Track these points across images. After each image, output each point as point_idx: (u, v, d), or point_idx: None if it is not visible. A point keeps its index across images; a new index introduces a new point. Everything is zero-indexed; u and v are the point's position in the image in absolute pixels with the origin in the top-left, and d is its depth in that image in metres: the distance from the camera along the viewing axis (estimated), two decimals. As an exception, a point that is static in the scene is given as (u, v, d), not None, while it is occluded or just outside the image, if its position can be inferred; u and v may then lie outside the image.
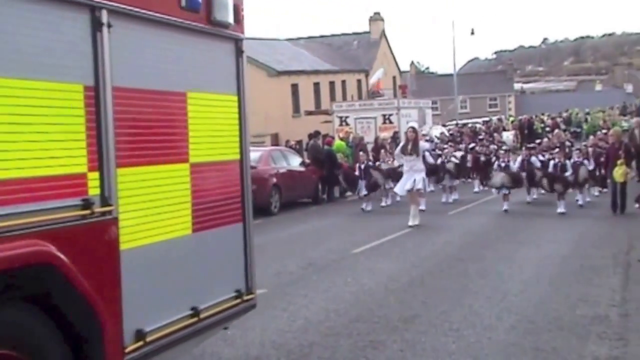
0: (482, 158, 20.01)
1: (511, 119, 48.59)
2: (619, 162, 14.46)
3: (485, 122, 43.24)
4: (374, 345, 6.41)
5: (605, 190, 17.46)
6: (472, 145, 21.65)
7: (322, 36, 46.45)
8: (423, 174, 13.93)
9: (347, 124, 26.54)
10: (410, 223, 13.59)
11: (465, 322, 7.04)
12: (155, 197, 4.52)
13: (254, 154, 17.74)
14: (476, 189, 20.06)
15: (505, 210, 15.64)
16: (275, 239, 12.97)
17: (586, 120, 44.12)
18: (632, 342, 6.29)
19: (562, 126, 43.52)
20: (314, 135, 21.41)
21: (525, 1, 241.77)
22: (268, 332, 6.94)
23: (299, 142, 27.66)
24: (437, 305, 7.74)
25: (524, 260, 10.14)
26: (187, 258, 4.84)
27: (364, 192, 17.31)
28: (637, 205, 14.77)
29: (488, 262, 10.15)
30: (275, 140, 29.69)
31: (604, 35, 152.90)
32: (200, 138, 4.96)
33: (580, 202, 16.20)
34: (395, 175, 16.37)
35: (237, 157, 5.45)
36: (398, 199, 17.32)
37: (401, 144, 14.26)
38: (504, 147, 19.57)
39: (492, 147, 21.81)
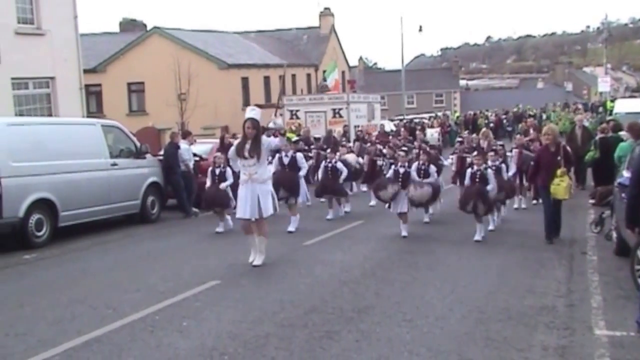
0: (380, 162, 16.00)
1: (456, 114, 49.47)
2: (559, 171, 10.74)
3: (431, 117, 43.95)
4: (329, 335, 6.49)
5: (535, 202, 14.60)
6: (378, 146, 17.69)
7: (272, 30, 46.27)
8: (269, 187, 9.69)
9: (297, 118, 26.58)
10: (251, 259, 9.69)
11: (418, 312, 7.18)
12: None
13: (205, 147, 17.74)
14: (372, 202, 15.31)
15: (404, 236, 11.71)
16: (227, 231, 12.93)
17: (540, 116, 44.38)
18: (579, 331, 6.53)
19: (505, 122, 44.45)
20: (267, 128, 21.30)
21: (470, 0, 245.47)
22: (223, 323, 6.96)
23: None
24: (389, 297, 7.87)
25: (471, 253, 10.36)
26: None
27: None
28: (591, 201, 14.66)
29: (436, 254, 10.34)
30: (225, 132, 29.48)
31: (545, 35, 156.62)
32: None
33: (489, 227, 12.05)
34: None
35: None
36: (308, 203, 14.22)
37: (236, 142, 9.91)
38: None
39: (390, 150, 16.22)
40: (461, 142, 15.75)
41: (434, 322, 6.83)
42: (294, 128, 23.47)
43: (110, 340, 6.53)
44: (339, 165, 14.06)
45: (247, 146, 9.44)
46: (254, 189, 9.42)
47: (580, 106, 48.99)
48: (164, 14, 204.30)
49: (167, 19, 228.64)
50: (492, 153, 12.81)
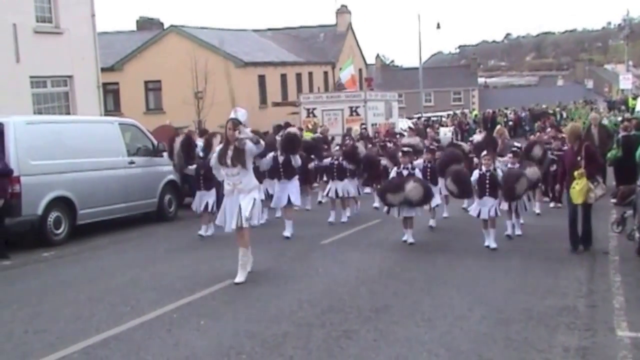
0: (384, 162, 14.47)
1: (474, 112, 49.10)
2: (576, 173, 9.80)
3: (449, 116, 43.69)
4: (347, 335, 6.45)
5: (559, 205, 13.59)
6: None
7: (289, 28, 46.25)
8: (254, 194, 8.70)
9: (314, 116, 26.52)
10: (237, 279, 8.54)
11: (436, 312, 7.12)
12: None
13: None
14: (376, 204, 14.46)
15: (410, 243, 10.94)
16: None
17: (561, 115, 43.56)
18: (600, 332, 6.43)
19: (523, 122, 43.97)
20: (284, 126, 21.27)
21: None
22: (241, 321, 6.94)
23: (265, 133, 27.54)
24: (408, 296, 7.82)
25: (490, 253, 10.22)
26: None
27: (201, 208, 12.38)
28: (613, 201, 14.36)
29: (455, 254, 10.25)
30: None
31: (565, 32, 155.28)
32: None
33: (517, 232, 11.49)
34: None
35: None
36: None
37: (218, 148, 9.04)
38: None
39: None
40: (472, 142, 14.65)
41: (453, 322, 6.76)
42: (310, 126, 23.38)
43: (129, 338, 6.53)
44: (345, 163, 13.46)
45: (230, 152, 8.55)
46: (238, 198, 8.57)
47: (597, 105, 48.21)
48: (180, 12, 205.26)
49: (184, 18, 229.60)
50: (510, 155, 11.86)
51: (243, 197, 8.59)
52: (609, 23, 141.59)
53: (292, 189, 12.30)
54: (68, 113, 19.74)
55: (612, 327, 6.55)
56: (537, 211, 13.79)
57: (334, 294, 7.98)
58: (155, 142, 14.85)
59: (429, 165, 12.07)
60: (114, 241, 12.42)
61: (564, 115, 43.45)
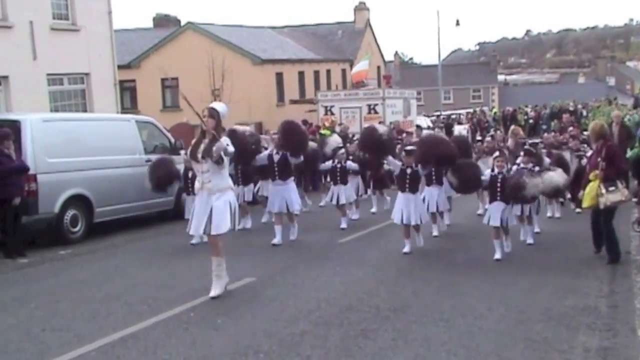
0: (387, 166, 13.47)
1: (494, 110, 48.70)
2: (592, 174, 9.12)
3: (468, 114, 43.35)
4: (365, 334, 6.39)
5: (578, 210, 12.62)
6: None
7: (306, 25, 46.16)
8: (228, 198, 7.78)
9: (332, 114, 26.43)
10: (212, 293, 7.78)
11: (455, 311, 7.03)
12: None
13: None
14: (374, 209, 14.53)
15: (405, 253, 10.09)
16: (261, 228, 12.88)
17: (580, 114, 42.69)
18: (622, 333, 6.32)
19: (540, 121, 43.44)
20: (302, 124, 21.14)
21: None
22: (258, 320, 6.90)
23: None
24: (426, 295, 7.74)
25: (510, 252, 10.08)
26: None
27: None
28: (634, 200, 13.52)
29: (474, 253, 10.14)
30: (259, 128, 29.51)
31: (586, 28, 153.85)
32: None
33: (529, 240, 10.81)
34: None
35: None
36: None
37: (193, 141, 8.06)
38: None
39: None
40: (481, 141, 14.31)
41: (472, 322, 6.68)
42: (327, 124, 23.28)
43: (146, 336, 6.52)
44: (349, 164, 12.92)
45: (202, 146, 7.70)
46: (208, 201, 7.67)
47: (620, 102, 47.32)
48: (197, 9, 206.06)
49: (200, 14, 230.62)
50: (522, 154, 11.04)
51: (215, 201, 7.67)
52: (631, 19, 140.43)
53: (288, 193, 11.25)
54: (85, 110, 19.81)
55: (633, 328, 6.43)
56: (557, 215, 13.43)
57: (351, 293, 7.92)
58: (172, 140, 14.85)
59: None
60: (130, 239, 12.43)
61: (584, 113, 42.70)
